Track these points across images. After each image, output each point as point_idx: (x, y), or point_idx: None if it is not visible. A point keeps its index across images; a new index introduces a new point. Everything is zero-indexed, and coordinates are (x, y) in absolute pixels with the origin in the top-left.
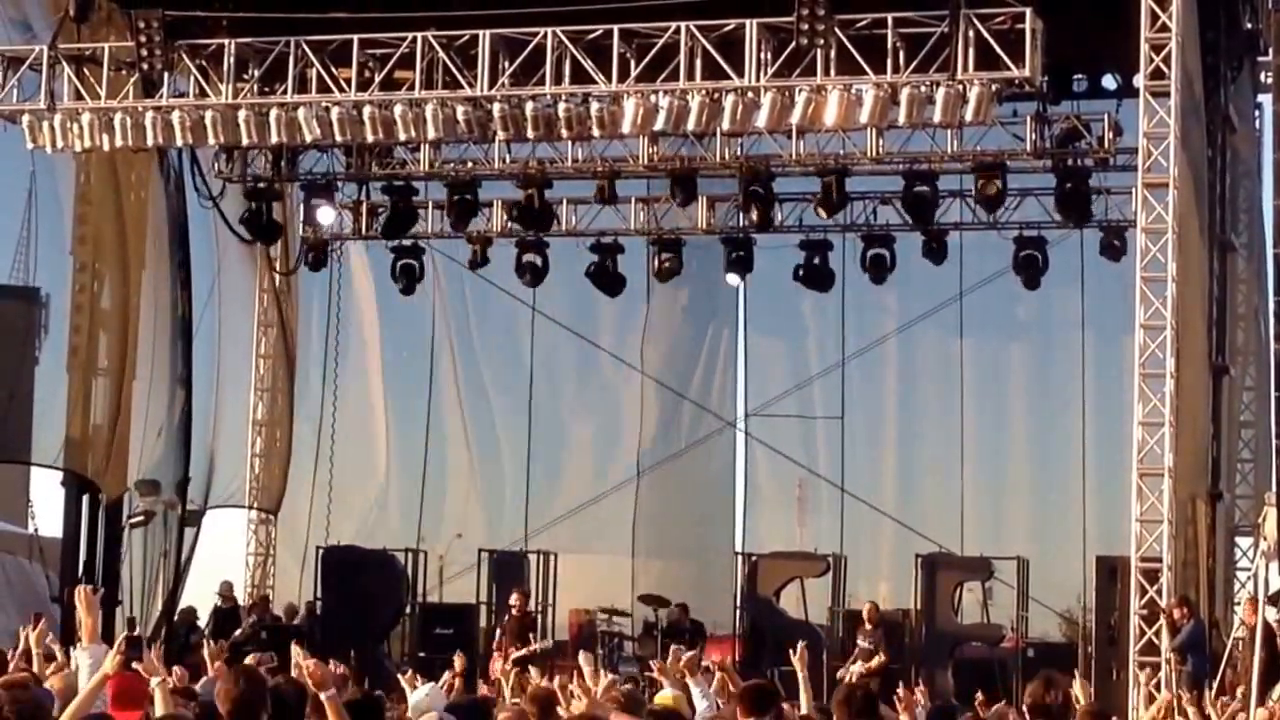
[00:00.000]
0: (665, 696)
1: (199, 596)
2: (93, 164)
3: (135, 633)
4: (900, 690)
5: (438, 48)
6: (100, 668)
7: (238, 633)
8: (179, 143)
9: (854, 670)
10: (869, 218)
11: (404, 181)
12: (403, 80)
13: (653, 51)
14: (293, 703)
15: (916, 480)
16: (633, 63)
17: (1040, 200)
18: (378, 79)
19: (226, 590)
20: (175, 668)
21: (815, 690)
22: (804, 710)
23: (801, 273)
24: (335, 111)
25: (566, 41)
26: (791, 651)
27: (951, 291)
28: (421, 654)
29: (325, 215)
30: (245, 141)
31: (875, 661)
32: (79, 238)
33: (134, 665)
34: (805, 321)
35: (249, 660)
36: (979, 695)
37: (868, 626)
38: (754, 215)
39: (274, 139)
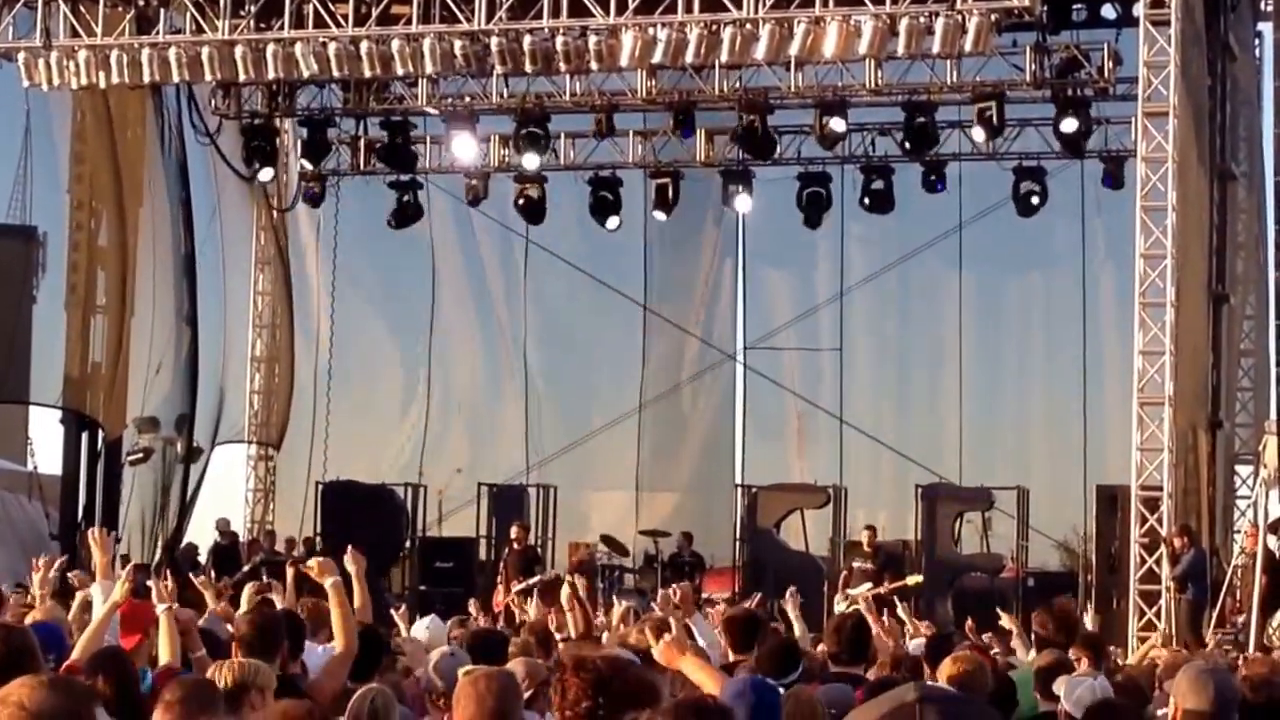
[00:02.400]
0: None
1: (198, 532)
2: (88, 102)
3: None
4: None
5: None
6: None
7: (245, 569)
8: (175, 79)
9: (856, 593)
10: (868, 149)
11: (401, 116)
12: (400, 15)
13: None
14: (290, 635)
15: (916, 411)
16: None
17: (1040, 130)
18: (375, 14)
19: (225, 526)
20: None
21: (815, 621)
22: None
23: (800, 204)
24: (332, 47)
25: None
26: (784, 596)
27: (951, 223)
28: (422, 588)
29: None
30: (242, 78)
31: (866, 589)
32: (75, 176)
33: (147, 586)
34: (804, 253)
35: (247, 590)
36: (969, 621)
37: (867, 549)
38: (752, 147)
39: (271, 75)
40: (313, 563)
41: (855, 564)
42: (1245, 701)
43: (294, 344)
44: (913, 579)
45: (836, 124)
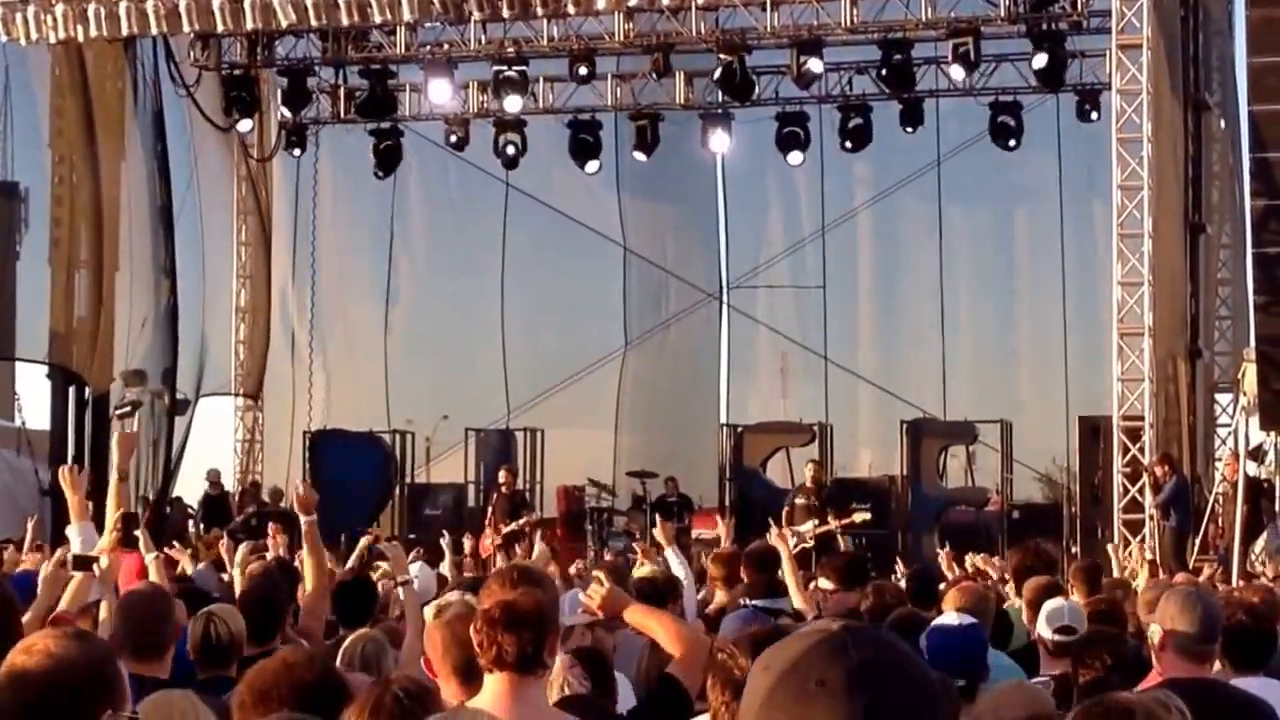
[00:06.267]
0: (644, 570)
1: (187, 484)
2: (65, 56)
3: (131, 510)
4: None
5: None
6: (90, 544)
7: (238, 520)
8: (154, 32)
9: (804, 530)
10: (845, 88)
11: (381, 64)
12: None
13: None
14: (284, 585)
15: (898, 347)
16: None
17: (1015, 65)
18: None
19: (214, 477)
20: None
21: (804, 559)
22: (791, 589)
23: (779, 144)
24: None
25: None
26: (769, 533)
27: (929, 159)
28: (411, 535)
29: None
30: (220, 29)
31: (811, 526)
32: (56, 130)
33: (135, 536)
34: (784, 193)
35: (242, 549)
36: (944, 550)
37: (809, 485)
38: (731, 89)
39: (249, 26)
40: (300, 489)
41: (798, 501)
42: (1228, 625)
43: (270, 294)
44: (859, 515)
45: (814, 65)
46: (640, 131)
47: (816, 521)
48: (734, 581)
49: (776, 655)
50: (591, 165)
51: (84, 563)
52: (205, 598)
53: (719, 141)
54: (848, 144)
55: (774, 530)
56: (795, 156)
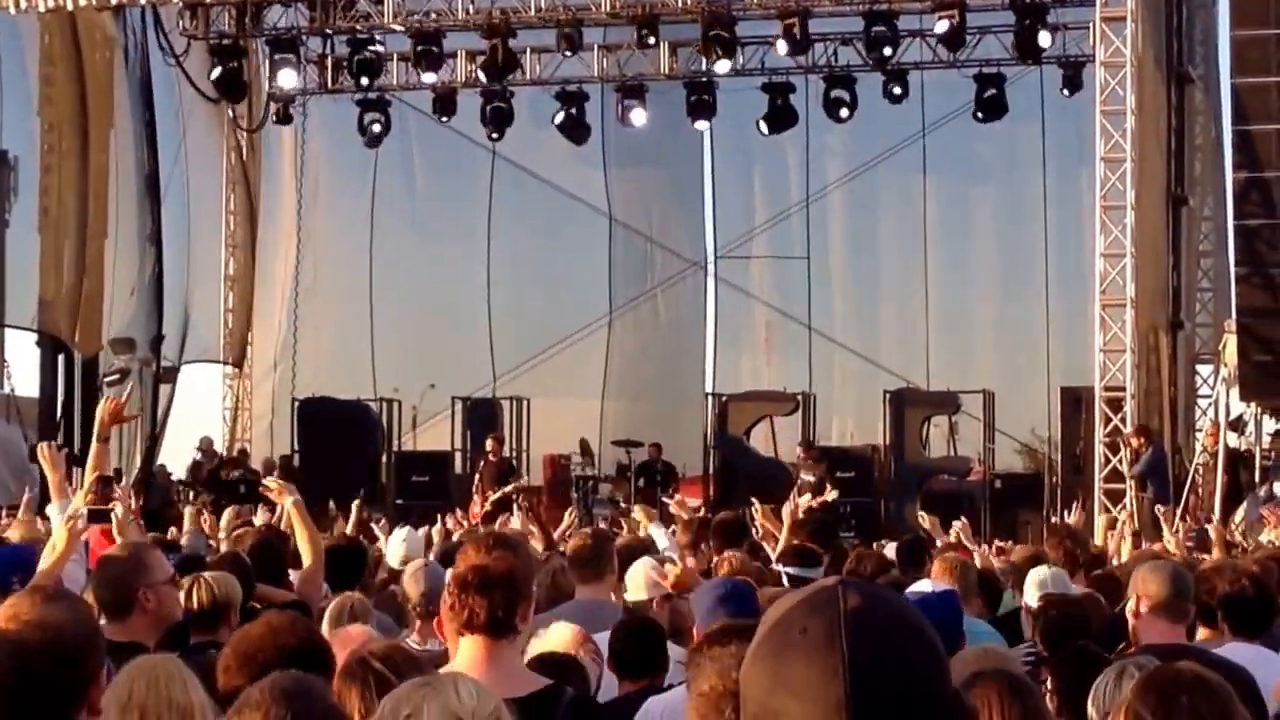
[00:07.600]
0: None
1: (177, 451)
2: (55, 24)
3: (107, 474)
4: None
5: None
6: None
7: (223, 486)
8: (143, 1)
9: (801, 503)
10: (830, 59)
11: (368, 34)
12: None
13: None
14: (277, 550)
15: (882, 317)
16: None
17: (999, 38)
18: None
19: (207, 445)
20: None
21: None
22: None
23: (765, 115)
24: None
25: None
26: (753, 508)
27: (913, 130)
28: (399, 501)
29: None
30: None
31: (819, 498)
32: (45, 99)
33: (113, 500)
34: (770, 163)
35: (228, 514)
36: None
37: (808, 460)
38: (716, 59)
39: None
40: (270, 483)
41: (803, 476)
42: (1230, 592)
43: (254, 265)
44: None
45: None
46: (626, 102)
47: (810, 495)
48: (699, 548)
49: (773, 610)
50: (578, 134)
51: (100, 516)
52: (201, 561)
53: (702, 121)
54: (833, 114)
55: (759, 509)
56: (780, 127)
